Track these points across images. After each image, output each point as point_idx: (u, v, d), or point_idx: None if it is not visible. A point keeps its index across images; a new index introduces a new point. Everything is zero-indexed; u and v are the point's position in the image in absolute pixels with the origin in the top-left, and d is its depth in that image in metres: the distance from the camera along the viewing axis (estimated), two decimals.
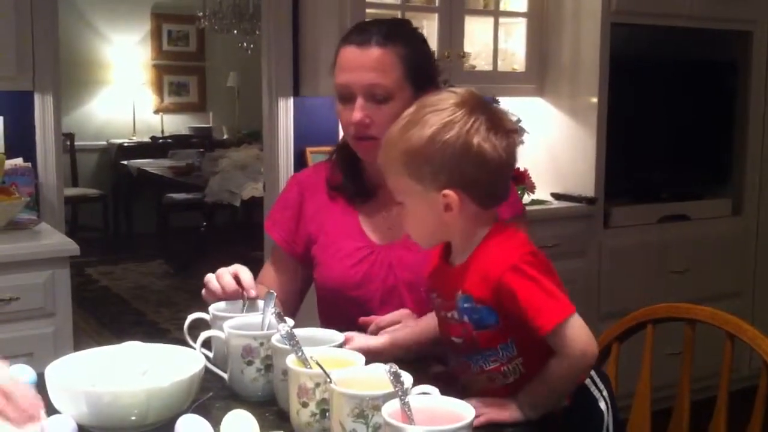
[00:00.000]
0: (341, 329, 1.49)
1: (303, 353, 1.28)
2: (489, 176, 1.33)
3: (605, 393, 1.50)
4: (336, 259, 1.78)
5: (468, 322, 1.35)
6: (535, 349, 1.33)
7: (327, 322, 1.79)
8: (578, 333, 1.30)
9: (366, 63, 1.68)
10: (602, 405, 1.49)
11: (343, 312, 1.75)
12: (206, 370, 1.37)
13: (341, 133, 1.85)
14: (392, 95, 1.69)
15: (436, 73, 1.79)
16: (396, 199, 1.40)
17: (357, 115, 1.69)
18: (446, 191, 1.32)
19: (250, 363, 1.40)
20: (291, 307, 1.84)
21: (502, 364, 1.36)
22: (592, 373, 1.48)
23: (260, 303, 1.54)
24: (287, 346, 1.30)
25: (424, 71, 1.74)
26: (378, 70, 1.68)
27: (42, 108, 3.08)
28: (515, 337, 1.35)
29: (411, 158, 1.33)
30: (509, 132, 1.34)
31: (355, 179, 1.83)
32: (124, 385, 1.28)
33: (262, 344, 1.40)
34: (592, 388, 1.49)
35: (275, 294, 1.52)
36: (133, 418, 1.23)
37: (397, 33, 1.73)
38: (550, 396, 1.35)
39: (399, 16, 3.29)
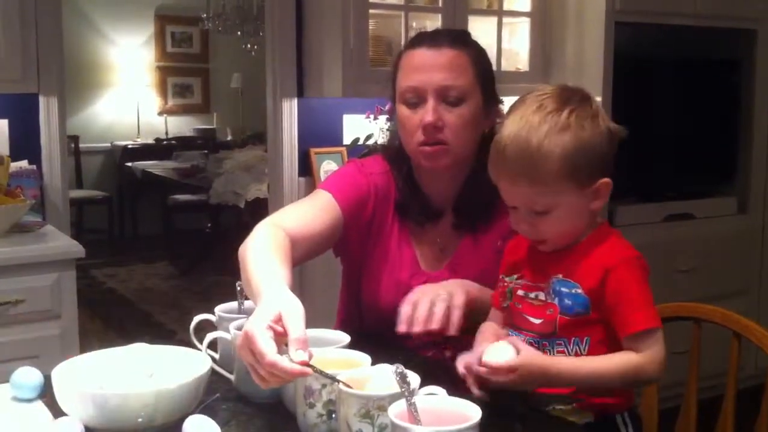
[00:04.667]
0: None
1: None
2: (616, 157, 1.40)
3: (630, 430, 1.49)
4: (390, 287, 1.74)
5: (557, 305, 1.39)
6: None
7: (345, 325, 1.79)
8: (662, 347, 1.36)
9: (439, 63, 1.65)
10: None
11: (377, 326, 1.71)
12: (213, 371, 1.38)
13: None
14: (464, 98, 1.66)
15: (495, 83, 1.76)
16: (532, 209, 1.38)
17: (430, 116, 1.64)
18: (603, 180, 1.38)
19: None
20: (304, 248, 1.64)
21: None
22: (625, 413, 1.48)
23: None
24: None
25: (491, 78, 1.72)
26: (451, 70, 1.65)
27: (47, 110, 3.08)
28: (594, 336, 1.38)
29: (572, 162, 1.34)
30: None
31: (417, 197, 1.77)
32: (131, 387, 1.28)
33: None
34: (618, 420, 1.47)
35: None
36: (141, 419, 1.23)
37: (466, 38, 1.73)
38: (589, 380, 1.36)
39: (402, 17, 3.30)
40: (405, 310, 1.51)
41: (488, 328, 1.51)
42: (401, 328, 1.50)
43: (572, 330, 1.39)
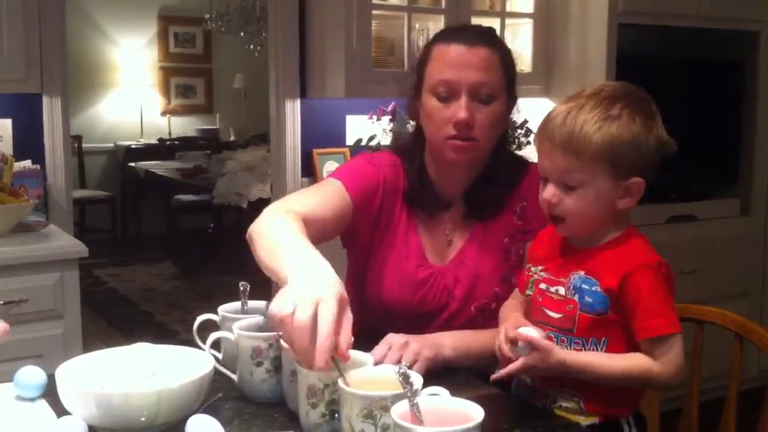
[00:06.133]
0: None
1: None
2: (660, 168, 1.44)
3: (635, 431, 1.50)
4: (396, 279, 1.76)
5: (576, 301, 1.41)
6: None
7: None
8: (680, 352, 1.37)
9: (474, 61, 1.67)
10: None
11: (378, 323, 1.73)
12: (216, 371, 1.38)
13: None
14: (495, 96, 1.69)
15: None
16: (564, 181, 1.41)
17: (463, 113, 1.65)
18: (636, 179, 1.40)
19: (259, 364, 1.40)
20: (313, 230, 1.57)
21: None
22: (630, 417, 1.49)
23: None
24: None
25: (514, 77, 1.75)
26: (486, 69, 1.67)
27: (50, 110, 3.09)
28: (612, 338, 1.40)
29: (616, 150, 1.37)
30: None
31: (426, 189, 1.79)
32: (134, 387, 1.28)
33: (271, 345, 1.40)
34: (624, 424, 1.49)
35: None
36: (143, 419, 1.24)
37: (495, 36, 1.77)
38: (601, 376, 1.37)
39: (405, 18, 3.30)
40: (380, 350, 1.50)
41: (510, 310, 1.55)
42: (376, 357, 1.47)
43: (591, 330, 1.40)
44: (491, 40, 1.72)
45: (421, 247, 1.78)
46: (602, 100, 1.40)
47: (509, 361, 1.38)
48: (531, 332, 1.37)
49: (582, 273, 1.42)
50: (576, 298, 1.41)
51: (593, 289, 1.39)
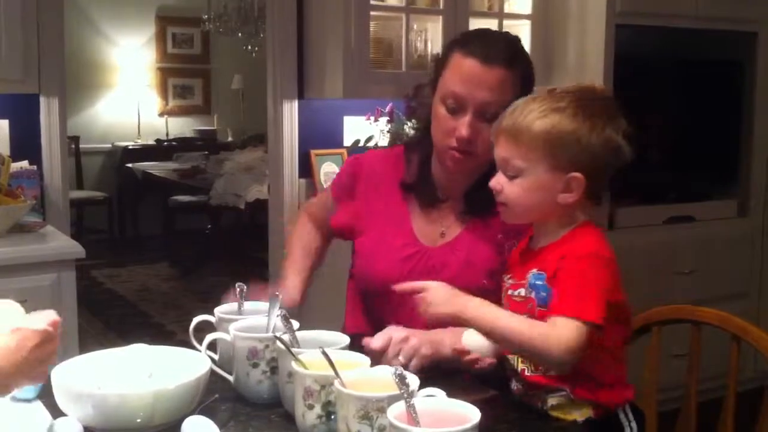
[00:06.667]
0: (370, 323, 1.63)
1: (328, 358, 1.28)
2: (611, 171, 1.46)
3: (633, 425, 1.49)
4: (381, 254, 1.80)
5: (534, 299, 1.42)
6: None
7: (360, 315, 1.87)
8: (578, 339, 1.33)
9: (489, 82, 1.66)
10: None
11: (377, 309, 1.80)
12: (212, 372, 1.38)
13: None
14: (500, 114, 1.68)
15: None
16: (505, 169, 1.45)
17: (466, 131, 1.67)
18: (576, 174, 1.40)
19: (255, 365, 1.40)
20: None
21: None
22: (626, 406, 1.49)
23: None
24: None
25: (530, 92, 1.72)
26: (498, 90, 1.66)
27: (47, 111, 3.09)
28: None
29: (554, 139, 1.40)
30: (630, 137, 1.46)
31: (426, 182, 1.82)
32: (130, 388, 1.28)
33: (267, 347, 1.40)
34: (621, 416, 1.49)
35: (280, 296, 1.51)
36: (139, 420, 1.24)
37: (519, 53, 1.73)
38: (496, 332, 1.39)
39: (403, 18, 3.30)
40: (380, 339, 1.54)
41: None
42: (375, 345, 1.53)
43: None
44: (511, 58, 1.69)
45: (412, 228, 1.82)
46: (555, 94, 1.44)
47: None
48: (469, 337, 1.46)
49: (535, 270, 1.43)
50: (532, 295, 1.43)
51: (544, 283, 1.41)
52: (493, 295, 1.57)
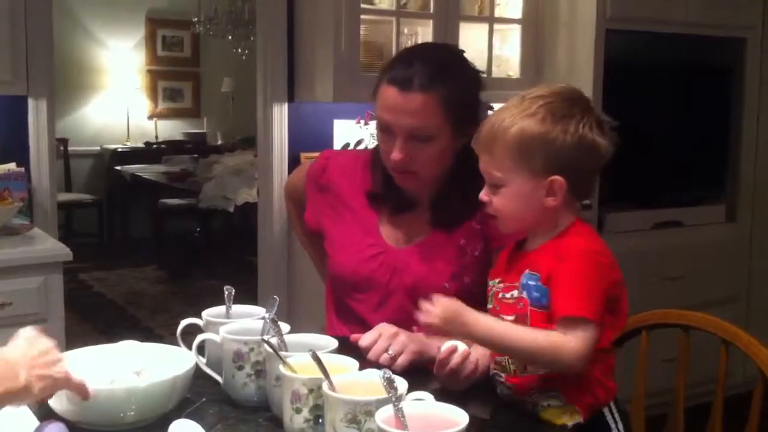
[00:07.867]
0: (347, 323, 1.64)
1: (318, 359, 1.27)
2: (594, 169, 1.46)
3: (620, 426, 1.50)
4: (348, 253, 1.82)
5: (527, 299, 1.41)
6: None
7: (334, 313, 1.88)
8: (588, 341, 1.34)
9: (408, 108, 1.67)
10: None
11: (347, 307, 1.82)
12: (201, 373, 1.38)
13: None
14: (433, 136, 1.69)
15: (479, 107, 1.76)
16: (489, 181, 1.45)
17: (397, 155, 1.70)
18: (555, 177, 1.40)
19: (240, 368, 1.40)
20: None
21: None
22: (611, 404, 1.50)
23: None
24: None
25: (465, 108, 1.72)
26: (419, 115, 1.67)
27: (36, 113, 3.07)
28: None
29: (526, 145, 1.40)
30: (610, 133, 1.45)
31: (392, 190, 1.82)
32: (108, 384, 1.30)
33: (252, 349, 1.40)
34: (608, 416, 1.49)
35: (278, 300, 1.50)
36: (120, 416, 1.26)
37: (441, 73, 1.69)
38: (504, 339, 1.37)
39: (394, 22, 3.29)
40: (370, 336, 1.59)
41: None
42: (364, 341, 1.58)
43: (545, 324, 1.39)
44: (430, 82, 1.66)
45: (377, 227, 1.83)
46: (525, 100, 1.43)
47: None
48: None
49: (528, 270, 1.43)
50: (525, 294, 1.42)
51: (537, 283, 1.41)
52: (455, 297, 1.57)
